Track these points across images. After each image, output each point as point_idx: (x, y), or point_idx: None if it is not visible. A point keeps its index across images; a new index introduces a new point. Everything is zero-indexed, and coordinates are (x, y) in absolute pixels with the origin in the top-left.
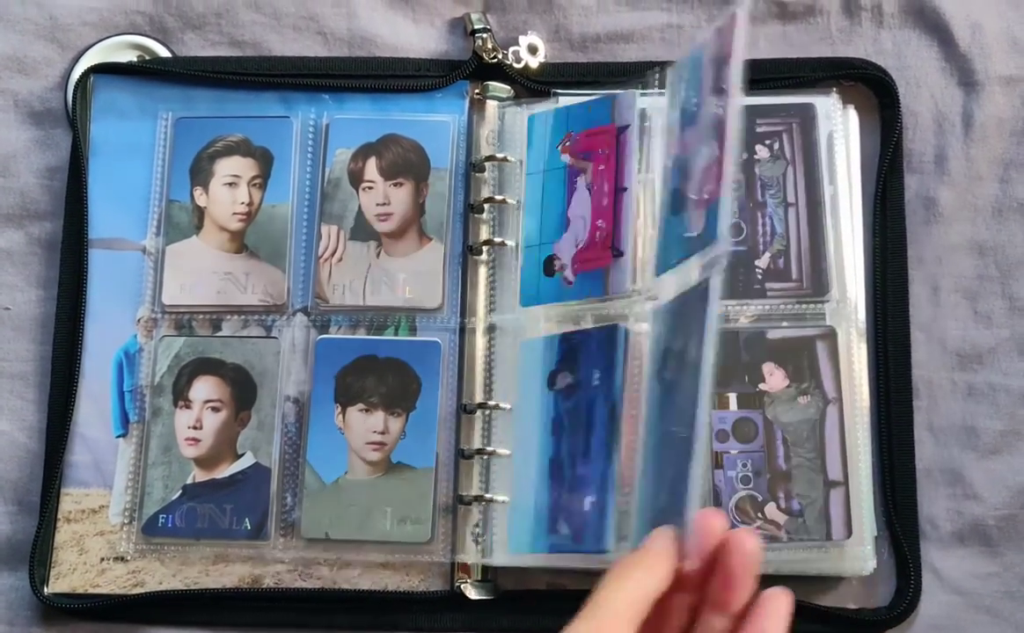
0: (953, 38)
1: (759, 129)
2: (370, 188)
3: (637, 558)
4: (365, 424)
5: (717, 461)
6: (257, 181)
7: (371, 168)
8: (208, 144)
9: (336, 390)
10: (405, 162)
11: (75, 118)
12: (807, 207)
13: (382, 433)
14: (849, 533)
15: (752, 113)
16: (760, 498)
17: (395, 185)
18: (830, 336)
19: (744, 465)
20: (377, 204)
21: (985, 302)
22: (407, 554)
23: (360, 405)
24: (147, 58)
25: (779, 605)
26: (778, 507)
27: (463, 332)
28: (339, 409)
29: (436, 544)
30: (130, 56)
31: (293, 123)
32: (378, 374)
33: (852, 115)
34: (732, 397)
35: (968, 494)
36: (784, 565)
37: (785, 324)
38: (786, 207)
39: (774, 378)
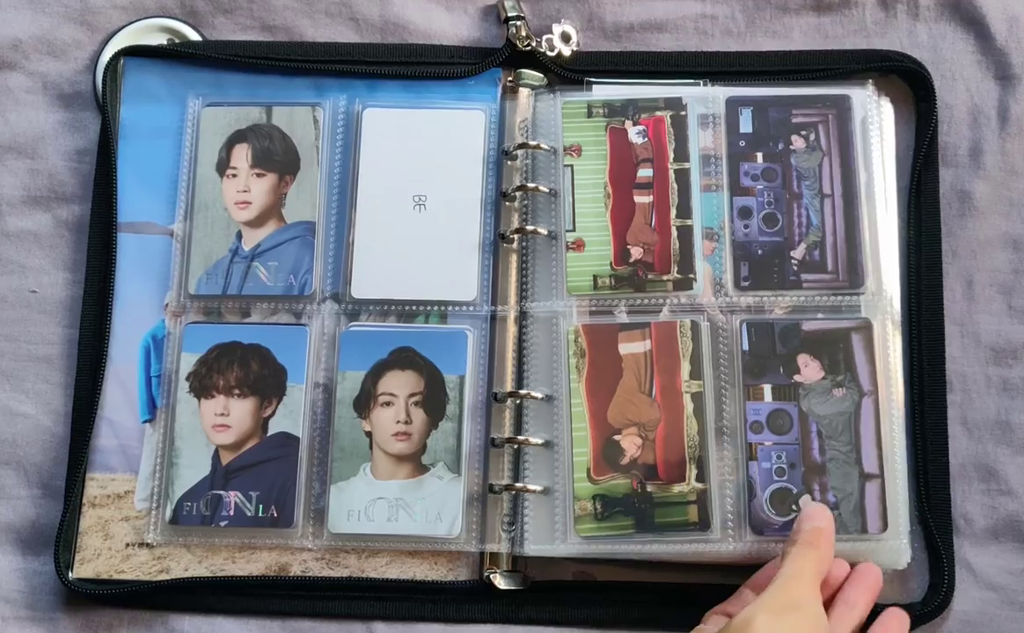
0: (990, 31)
1: (795, 120)
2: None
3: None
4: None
5: (751, 453)
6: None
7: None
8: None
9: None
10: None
11: (104, 101)
12: (843, 198)
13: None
14: (885, 527)
15: (788, 103)
16: (795, 491)
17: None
18: (866, 328)
19: (779, 457)
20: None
21: (1020, 296)
22: (435, 544)
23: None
24: (177, 41)
25: (898, 623)
26: (813, 500)
27: (494, 320)
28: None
29: (467, 534)
30: (160, 39)
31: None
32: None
33: (887, 107)
34: (766, 388)
35: (1003, 490)
36: None
37: (820, 316)
38: (822, 198)
39: (809, 370)
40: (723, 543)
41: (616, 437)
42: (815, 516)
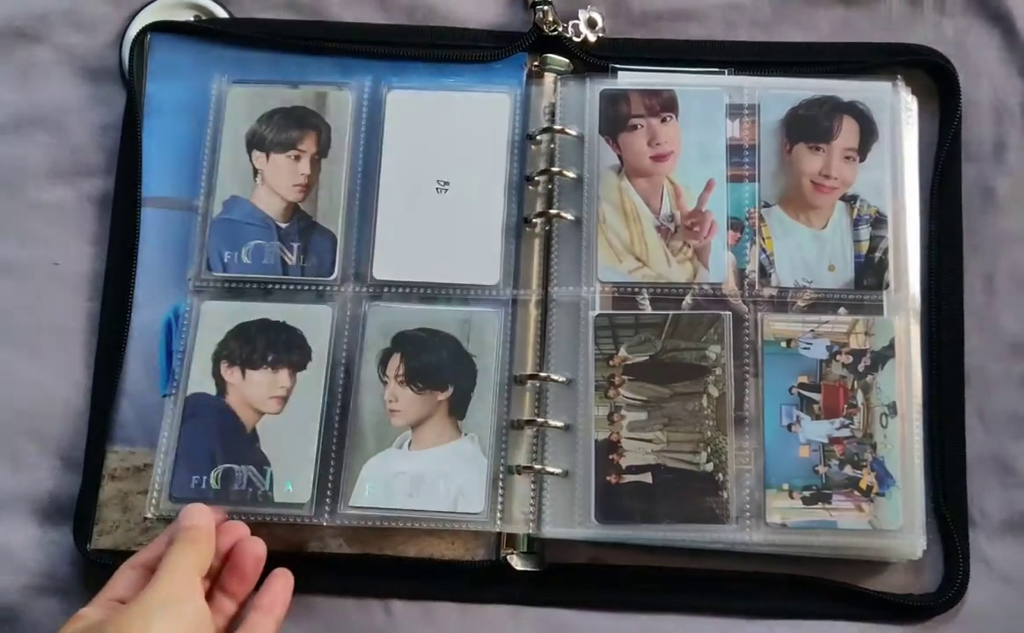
0: (1015, 27)
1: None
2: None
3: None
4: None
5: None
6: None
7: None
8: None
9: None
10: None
11: (131, 76)
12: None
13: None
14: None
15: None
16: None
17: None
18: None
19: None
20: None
21: None
22: (460, 524)
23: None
24: (204, 18)
25: (283, 583)
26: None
27: (515, 304)
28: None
29: (484, 514)
30: (187, 15)
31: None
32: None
33: (912, 102)
34: None
35: (1018, 483)
36: (833, 550)
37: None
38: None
39: None
40: (739, 533)
41: None
42: (194, 514)
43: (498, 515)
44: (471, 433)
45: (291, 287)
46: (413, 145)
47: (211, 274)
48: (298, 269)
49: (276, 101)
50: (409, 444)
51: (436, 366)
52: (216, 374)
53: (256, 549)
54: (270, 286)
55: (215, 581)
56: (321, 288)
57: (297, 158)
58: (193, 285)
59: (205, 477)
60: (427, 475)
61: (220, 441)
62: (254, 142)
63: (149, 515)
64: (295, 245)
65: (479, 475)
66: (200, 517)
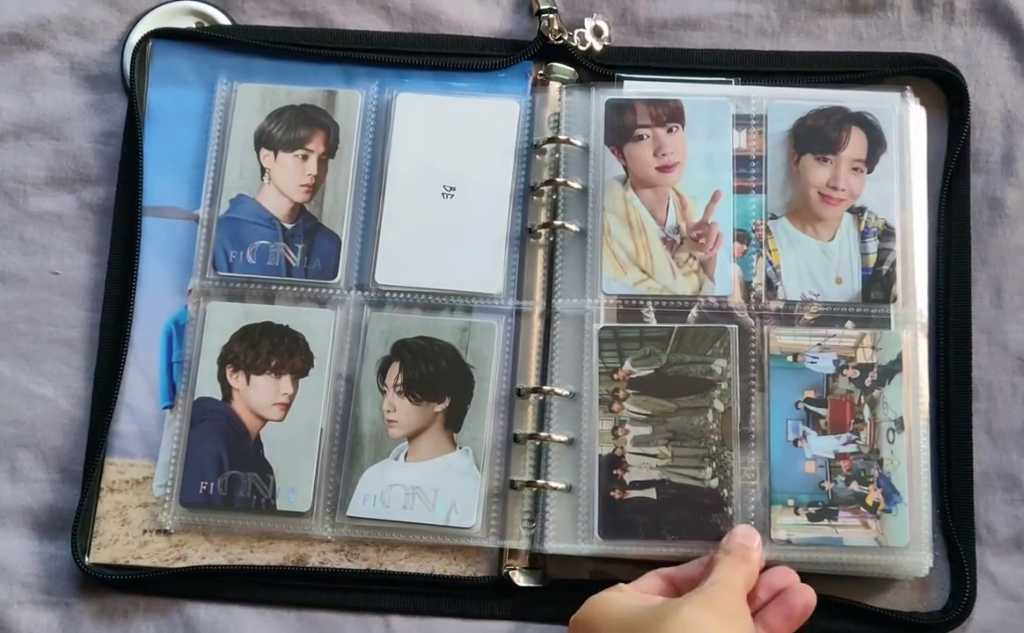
0: None
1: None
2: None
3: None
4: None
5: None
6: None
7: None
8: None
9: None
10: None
11: (132, 83)
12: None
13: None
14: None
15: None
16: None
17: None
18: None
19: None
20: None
21: None
22: (454, 538)
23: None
24: (206, 25)
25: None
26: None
27: (519, 315)
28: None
29: (484, 529)
30: (188, 22)
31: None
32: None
33: (920, 112)
34: None
35: None
36: (839, 567)
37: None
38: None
39: None
40: None
41: None
42: (746, 535)
43: (491, 530)
44: (465, 447)
45: (294, 289)
46: (421, 148)
47: (216, 273)
48: (301, 271)
49: (286, 98)
50: (405, 456)
51: (434, 377)
52: (222, 379)
53: (808, 596)
54: (274, 288)
55: (758, 612)
56: (324, 291)
57: (305, 158)
58: (199, 284)
59: (213, 483)
60: (422, 488)
61: (227, 447)
62: (262, 140)
63: (168, 527)
64: (299, 246)
65: (473, 489)
66: (752, 538)
